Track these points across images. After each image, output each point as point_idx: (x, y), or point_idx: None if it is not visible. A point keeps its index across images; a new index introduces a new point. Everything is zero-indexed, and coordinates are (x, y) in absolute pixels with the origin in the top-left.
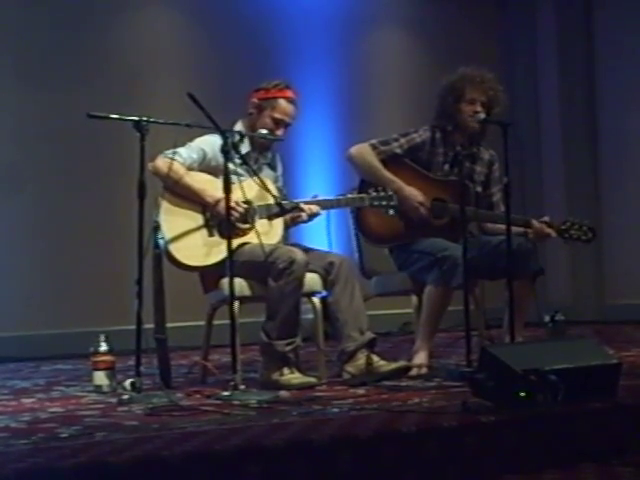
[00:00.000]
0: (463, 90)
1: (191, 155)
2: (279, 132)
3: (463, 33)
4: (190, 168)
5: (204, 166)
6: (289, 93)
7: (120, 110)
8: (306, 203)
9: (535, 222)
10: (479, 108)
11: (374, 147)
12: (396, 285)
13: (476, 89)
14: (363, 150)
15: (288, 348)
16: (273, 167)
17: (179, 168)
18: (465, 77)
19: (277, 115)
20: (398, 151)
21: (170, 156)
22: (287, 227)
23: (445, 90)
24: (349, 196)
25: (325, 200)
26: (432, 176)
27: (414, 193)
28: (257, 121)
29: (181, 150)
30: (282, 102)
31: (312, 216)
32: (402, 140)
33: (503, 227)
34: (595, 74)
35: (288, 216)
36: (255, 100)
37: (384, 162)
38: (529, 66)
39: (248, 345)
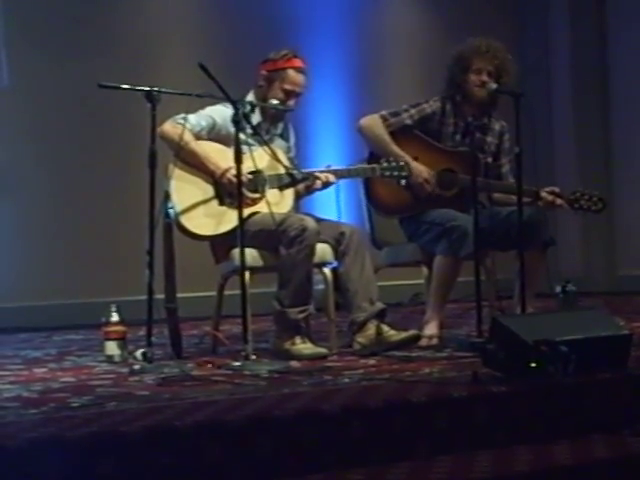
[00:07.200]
0: (470, 60)
1: (200, 122)
2: (290, 103)
3: (474, 4)
4: (198, 135)
5: (214, 134)
6: (297, 62)
7: (131, 80)
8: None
9: (544, 193)
10: (486, 78)
11: (384, 119)
12: (407, 256)
13: (482, 58)
14: (373, 122)
15: (301, 316)
16: (285, 138)
17: (186, 134)
18: (472, 47)
19: (287, 86)
20: (408, 122)
21: (179, 121)
22: (301, 196)
23: (453, 61)
24: (361, 166)
25: (337, 170)
26: (442, 147)
27: (420, 169)
28: (268, 93)
29: (190, 116)
30: (291, 72)
31: (326, 184)
32: (412, 111)
33: (513, 197)
34: (607, 44)
35: (302, 185)
36: (264, 72)
37: (394, 133)
38: (540, 37)
39: (259, 315)
